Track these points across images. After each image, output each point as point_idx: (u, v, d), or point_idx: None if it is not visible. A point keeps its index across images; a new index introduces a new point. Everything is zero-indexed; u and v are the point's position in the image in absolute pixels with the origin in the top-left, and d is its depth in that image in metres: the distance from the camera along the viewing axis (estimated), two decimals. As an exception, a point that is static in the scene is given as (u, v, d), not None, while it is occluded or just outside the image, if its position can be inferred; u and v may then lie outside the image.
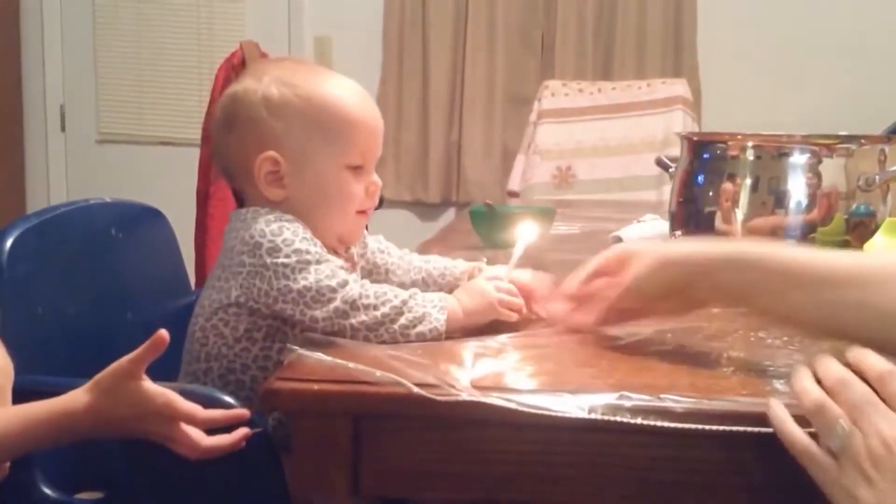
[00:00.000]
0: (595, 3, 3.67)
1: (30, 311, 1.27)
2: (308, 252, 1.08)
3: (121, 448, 1.07)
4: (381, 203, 1.25)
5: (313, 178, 1.16)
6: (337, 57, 3.84)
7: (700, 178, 1.37)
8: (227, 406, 1.03)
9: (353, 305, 1.05)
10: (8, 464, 1.03)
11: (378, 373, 0.91)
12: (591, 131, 3.27)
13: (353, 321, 1.05)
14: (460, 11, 3.75)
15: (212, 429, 1.01)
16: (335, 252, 1.17)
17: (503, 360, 1.00)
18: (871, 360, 0.79)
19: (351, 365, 0.93)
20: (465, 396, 0.87)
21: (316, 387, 0.91)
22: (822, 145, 1.31)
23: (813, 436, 0.78)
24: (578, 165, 3.22)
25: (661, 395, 0.87)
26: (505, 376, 0.95)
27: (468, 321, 1.09)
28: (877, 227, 1.35)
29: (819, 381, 0.80)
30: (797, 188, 1.29)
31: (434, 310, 1.07)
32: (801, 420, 0.80)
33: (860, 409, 0.76)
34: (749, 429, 0.84)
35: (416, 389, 0.88)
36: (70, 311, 1.34)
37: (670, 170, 1.49)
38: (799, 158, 1.30)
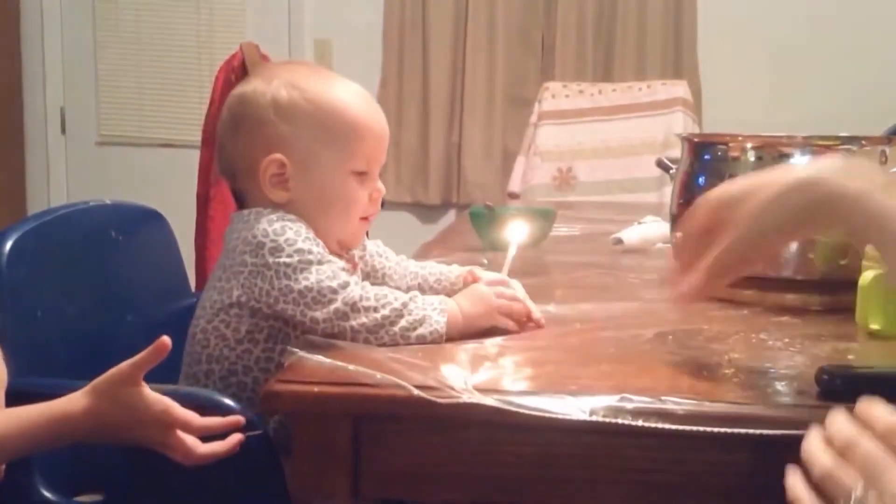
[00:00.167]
0: (595, 5, 3.67)
1: (30, 313, 1.27)
2: (310, 252, 1.08)
3: (120, 450, 1.07)
4: (382, 205, 1.25)
5: (318, 181, 1.17)
6: (337, 59, 3.84)
7: (701, 180, 1.37)
8: (228, 409, 1.03)
9: (354, 307, 1.05)
10: (3, 466, 1.03)
11: (378, 375, 0.90)
12: (592, 133, 3.27)
13: (354, 323, 1.05)
14: (460, 13, 3.75)
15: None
16: (336, 255, 1.17)
17: (503, 362, 1.00)
18: (878, 412, 0.76)
19: (351, 367, 0.93)
20: (465, 398, 0.87)
21: (316, 389, 0.91)
22: (823, 146, 1.31)
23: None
24: (579, 167, 3.22)
25: (662, 398, 0.86)
26: (505, 378, 0.95)
27: (467, 326, 1.09)
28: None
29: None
30: (798, 189, 1.28)
31: (434, 312, 1.07)
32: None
33: (871, 469, 0.73)
34: (750, 431, 0.84)
35: (416, 392, 0.88)
36: (70, 313, 1.34)
37: (671, 171, 1.48)
38: (800, 159, 1.29)
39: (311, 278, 1.06)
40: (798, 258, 1.25)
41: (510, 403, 0.86)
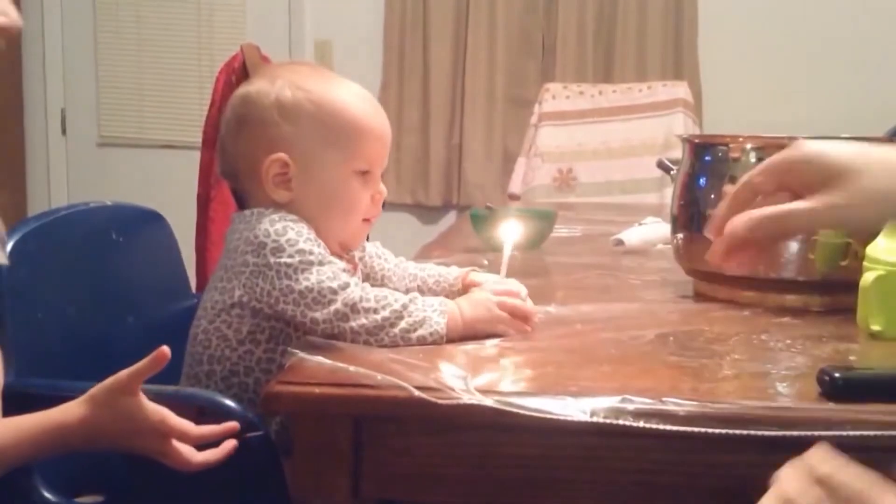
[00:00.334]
0: (595, 6, 3.67)
1: (30, 314, 1.27)
2: (311, 253, 1.08)
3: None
4: (383, 206, 1.25)
5: (320, 181, 1.17)
6: (337, 60, 3.84)
7: (702, 181, 1.37)
8: (229, 410, 1.03)
9: (354, 308, 1.05)
10: None
11: (379, 376, 0.90)
12: (592, 134, 3.27)
13: (354, 324, 1.05)
14: (461, 14, 3.75)
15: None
16: (337, 256, 1.17)
17: (504, 363, 1.00)
18: (842, 476, 0.68)
19: (352, 368, 0.93)
20: (466, 400, 0.87)
21: (317, 390, 0.90)
22: (824, 147, 1.31)
23: None
24: (579, 168, 3.22)
25: (664, 399, 0.86)
26: (506, 379, 0.94)
27: (467, 330, 1.08)
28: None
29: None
30: (799, 190, 1.28)
31: (435, 314, 1.07)
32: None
33: None
34: (751, 432, 0.84)
35: (417, 393, 0.88)
36: (70, 314, 1.34)
37: (671, 172, 1.48)
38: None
39: (312, 279, 1.07)
40: (799, 259, 1.25)
41: (511, 404, 0.86)
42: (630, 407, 0.86)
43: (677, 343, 1.08)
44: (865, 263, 1.12)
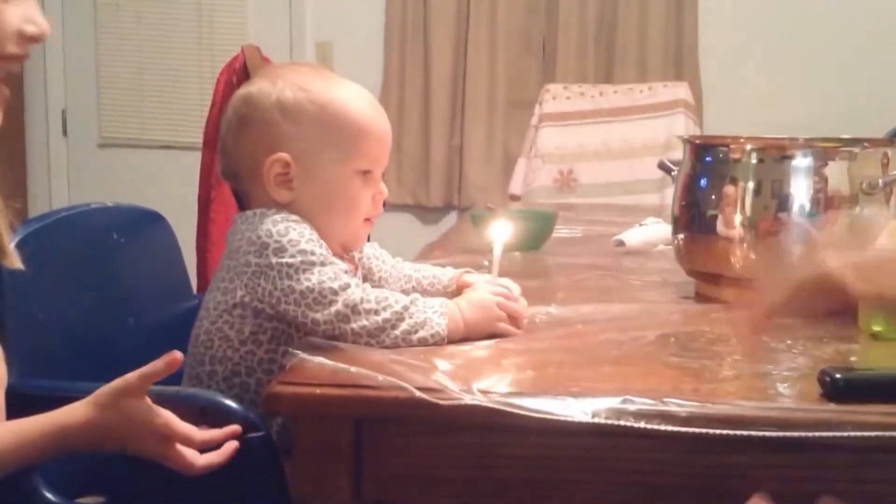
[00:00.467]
0: (596, 7, 3.67)
1: (31, 316, 1.27)
2: (313, 253, 1.09)
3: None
4: (384, 206, 1.25)
5: (322, 181, 1.17)
6: (338, 62, 3.84)
7: (702, 182, 1.37)
8: (230, 410, 1.03)
9: (355, 309, 1.05)
10: None
11: (380, 377, 0.90)
12: (593, 135, 3.26)
13: (354, 325, 1.05)
14: (461, 15, 3.75)
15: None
16: (338, 256, 1.17)
17: (505, 363, 1.00)
18: None
19: (353, 369, 0.93)
20: (467, 400, 0.87)
21: (318, 391, 0.91)
22: (825, 148, 1.31)
23: None
24: (580, 169, 3.22)
25: (665, 399, 0.86)
26: (508, 380, 0.94)
27: (467, 331, 1.09)
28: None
29: None
30: (800, 191, 1.28)
31: (436, 315, 1.07)
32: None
33: None
34: (752, 433, 0.84)
35: (418, 393, 0.88)
36: (72, 315, 1.34)
37: (672, 173, 1.48)
38: (801, 162, 1.29)
39: (313, 279, 1.07)
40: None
41: (512, 405, 0.86)
42: (631, 408, 0.86)
43: (678, 344, 1.08)
44: (866, 264, 1.12)
